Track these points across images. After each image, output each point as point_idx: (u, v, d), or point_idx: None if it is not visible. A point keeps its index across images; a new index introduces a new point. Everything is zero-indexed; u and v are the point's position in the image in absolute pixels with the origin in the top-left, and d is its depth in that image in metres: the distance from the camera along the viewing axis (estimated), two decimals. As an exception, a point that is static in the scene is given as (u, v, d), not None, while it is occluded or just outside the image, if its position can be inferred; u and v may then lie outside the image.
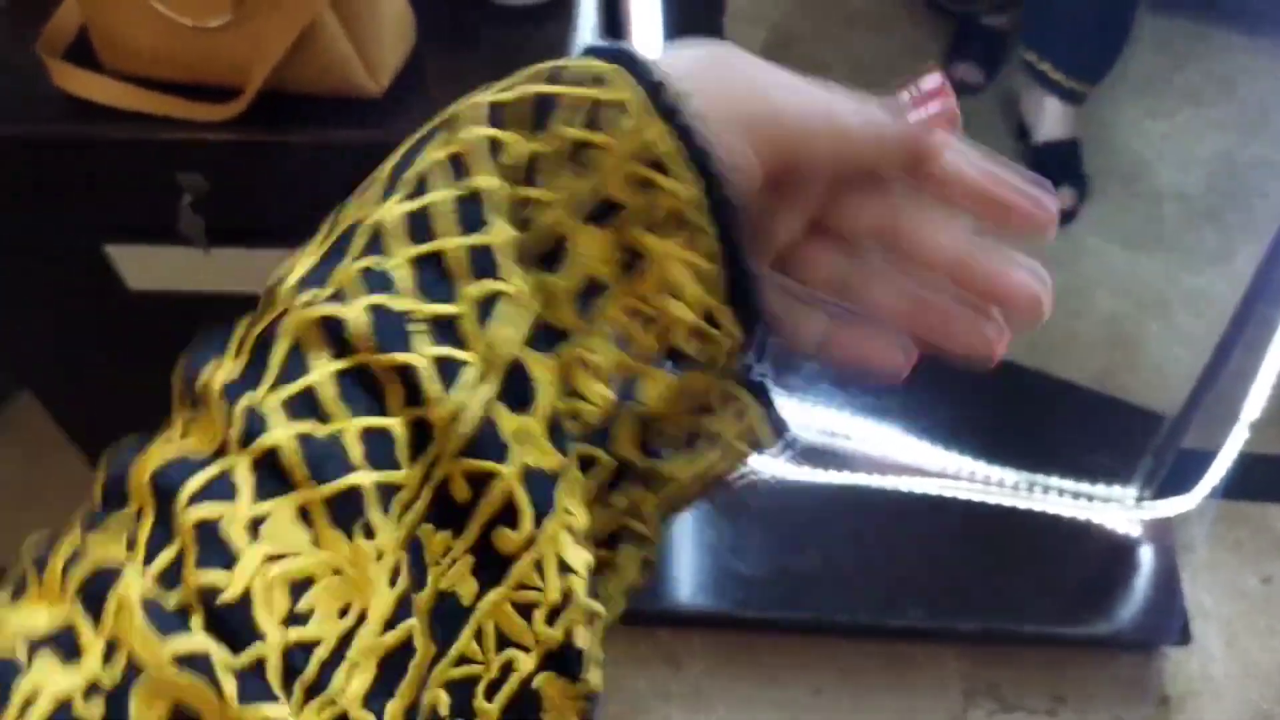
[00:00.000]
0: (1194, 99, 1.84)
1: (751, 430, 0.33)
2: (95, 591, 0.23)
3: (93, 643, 0.22)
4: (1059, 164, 1.70)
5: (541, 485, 0.26)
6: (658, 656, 1.37)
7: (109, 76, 0.86)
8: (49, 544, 0.25)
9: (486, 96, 0.29)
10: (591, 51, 0.29)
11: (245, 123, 0.83)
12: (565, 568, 0.26)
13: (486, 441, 0.26)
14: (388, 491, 0.24)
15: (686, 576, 1.32)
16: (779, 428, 0.34)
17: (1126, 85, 1.86)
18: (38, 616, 0.23)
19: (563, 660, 0.26)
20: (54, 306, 1.03)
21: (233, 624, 0.22)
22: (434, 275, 0.27)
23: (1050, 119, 1.71)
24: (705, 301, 0.29)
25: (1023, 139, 1.76)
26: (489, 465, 0.25)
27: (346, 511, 0.24)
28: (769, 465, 1.32)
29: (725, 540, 1.33)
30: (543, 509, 0.26)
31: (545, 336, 0.27)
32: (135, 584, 0.23)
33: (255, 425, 0.24)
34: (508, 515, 0.26)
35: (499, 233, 0.27)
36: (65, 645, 0.22)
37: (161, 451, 0.25)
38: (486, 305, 0.26)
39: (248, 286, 0.99)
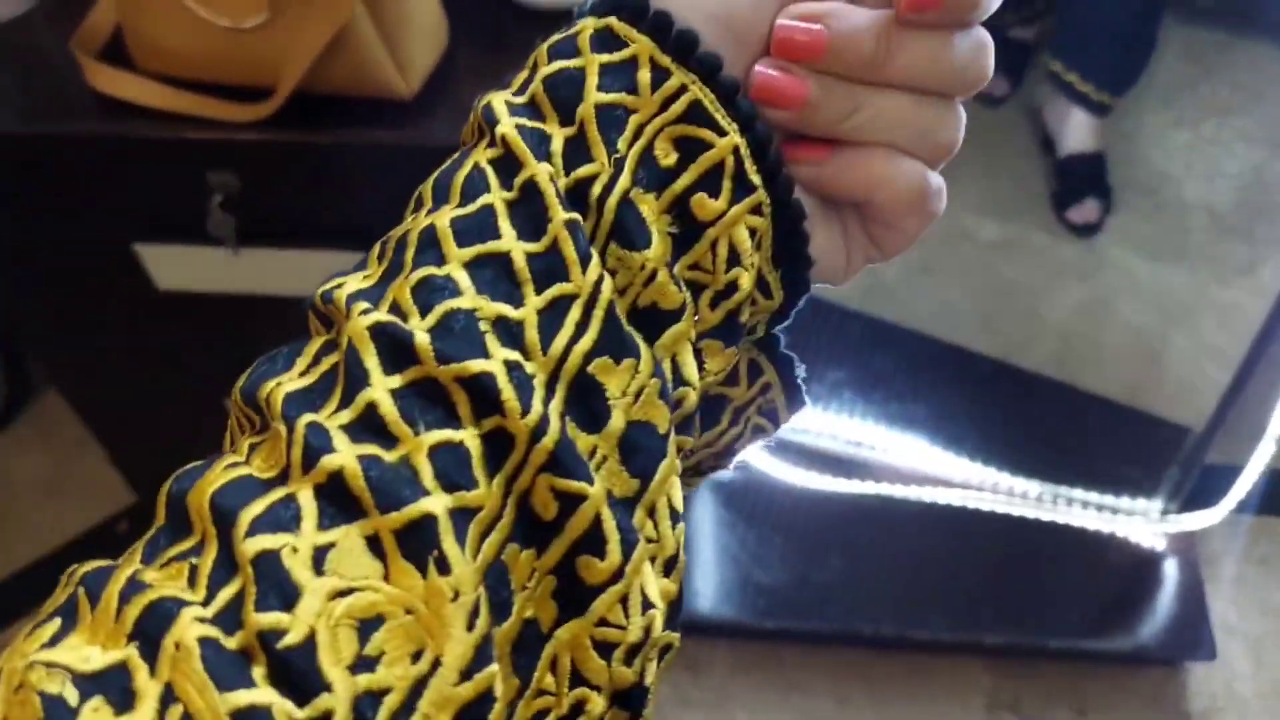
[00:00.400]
0: (1221, 110, 1.83)
1: (772, 404, 0.32)
2: (152, 629, 0.21)
3: (148, 687, 0.21)
4: (1084, 176, 1.69)
5: (623, 512, 0.25)
6: (679, 663, 1.36)
7: (142, 76, 0.86)
8: (105, 572, 0.23)
9: (508, 94, 0.28)
10: (588, 10, 0.28)
11: (276, 123, 0.84)
12: (647, 603, 0.25)
13: (568, 457, 0.24)
14: (464, 515, 0.23)
15: (708, 586, 1.32)
16: (798, 404, 0.33)
17: (1152, 96, 1.85)
18: (90, 652, 0.21)
19: (627, 697, 0.25)
20: (82, 303, 1.04)
21: (297, 671, 0.21)
22: (494, 276, 0.25)
23: (1076, 131, 1.70)
24: (758, 264, 0.28)
25: (1048, 151, 1.75)
26: (577, 485, 0.24)
27: (418, 541, 0.22)
28: (791, 473, 1.31)
29: (747, 549, 1.33)
30: (629, 538, 0.24)
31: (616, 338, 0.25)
32: (194, 624, 0.21)
33: (318, 446, 0.23)
34: (592, 541, 0.24)
35: (557, 226, 0.25)
36: (118, 688, 0.21)
37: (223, 474, 0.24)
38: (553, 309, 0.25)
39: (276, 288, 0.99)
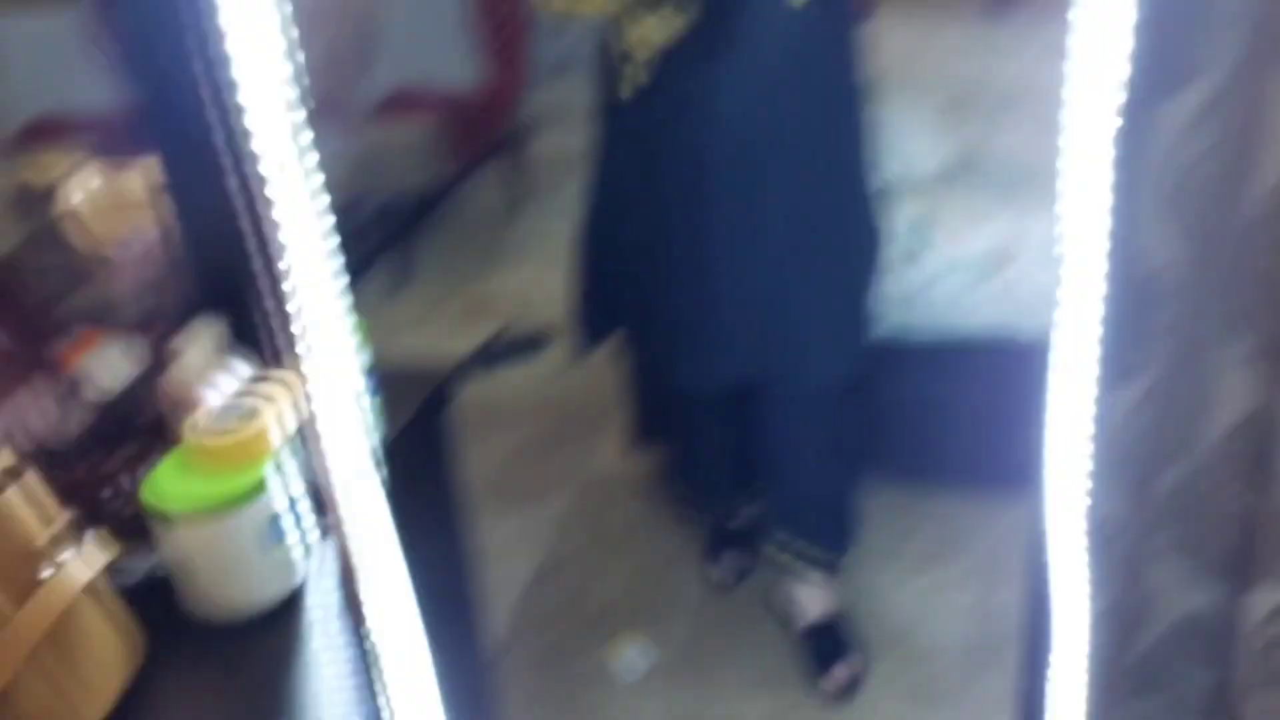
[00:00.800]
0: (939, 558, 1.99)
1: None
2: None
3: None
4: (830, 642, 1.77)
5: None
6: None
7: None
8: None
9: None
10: None
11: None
12: None
13: None
14: None
15: None
16: None
17: (876, 555, 1.99)
18: None
19: None
20: None
21: None
22: None
23: (811, 600, 1.80)
24: None
25: (788, 627, 1.82)
26: None
27: None
28: None
29: None
30: None
31: None
32: None
33: None
34: None
35: None
36: None
37: None
38: None
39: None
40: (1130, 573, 1.39)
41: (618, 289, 1.77)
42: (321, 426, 0.87)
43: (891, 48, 1.62)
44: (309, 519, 0.90)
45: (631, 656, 1.82)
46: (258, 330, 1.00)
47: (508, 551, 2.08)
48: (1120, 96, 0.80)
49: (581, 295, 1.84)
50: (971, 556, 1.98)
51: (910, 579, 1.94)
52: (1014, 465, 2.06)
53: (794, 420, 1.72)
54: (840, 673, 1.72)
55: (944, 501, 2.10)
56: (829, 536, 1.80)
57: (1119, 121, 0.80)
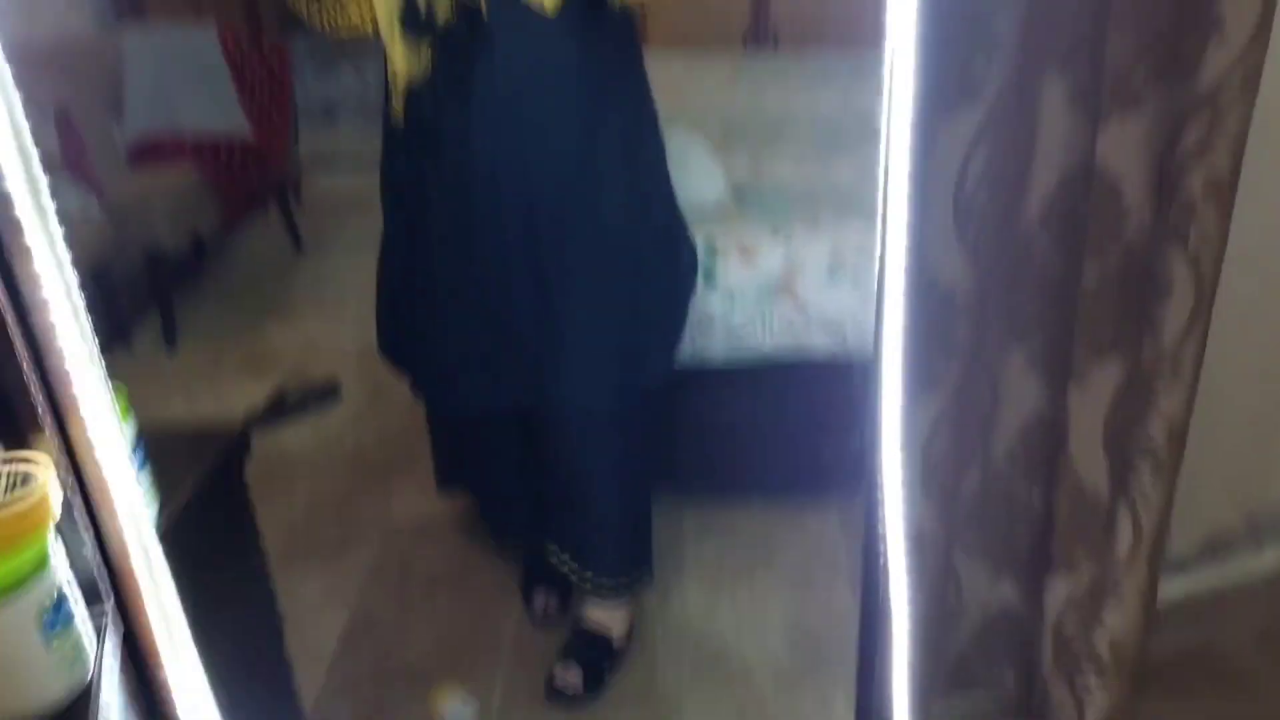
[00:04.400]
0: (747, 574, 2.02)
1: None
2: None
3: None
4: (585, 651, 1.79)
5: None
6: None
7: None
8: None
9: None
10: None
11: None
12: None
13: None
14: None
15: None
16: None
17: (686, 575, 2.01)
18: None
19: None
20: None
21: None
22: None
23: (596, 615, 1.82)
24: None
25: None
26: None
27: None
28: None
29: None
30: None
31: None
32: None
33: None
34: None
35: None
36: None
37: None
38: None
39: None
40: (943, 576, 1.45)
41: (405, 321, 1.73)
42: (95, 502, 0.78)
43: (659, 81, 1.64)
44: (82, 608, 0.80)
45: (455, 706, 1.75)
46: None
47: (316, 609, 1.97)
48: (909, 115, 0.84)
49: (379, 327, 1.78)
50: (781, 565, 2.03)
51: (723, 596, 1.97)
52: (817, 477, 2.15)
53: (571, 445, 1.72)
54: (559, 673, 1.74)
55: (753, 517, 2.15)
56: (614, 565, 1.80)
57: (909, 139, 0.84)
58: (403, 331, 1.76)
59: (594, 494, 1.76)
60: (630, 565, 1.82)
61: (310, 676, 1.79)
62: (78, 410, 0.75)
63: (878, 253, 0.75)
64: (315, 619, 1.94)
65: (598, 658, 1.78)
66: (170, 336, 2.99)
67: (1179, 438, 1.33)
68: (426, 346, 1.72)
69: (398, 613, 1.96)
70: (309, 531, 2.19)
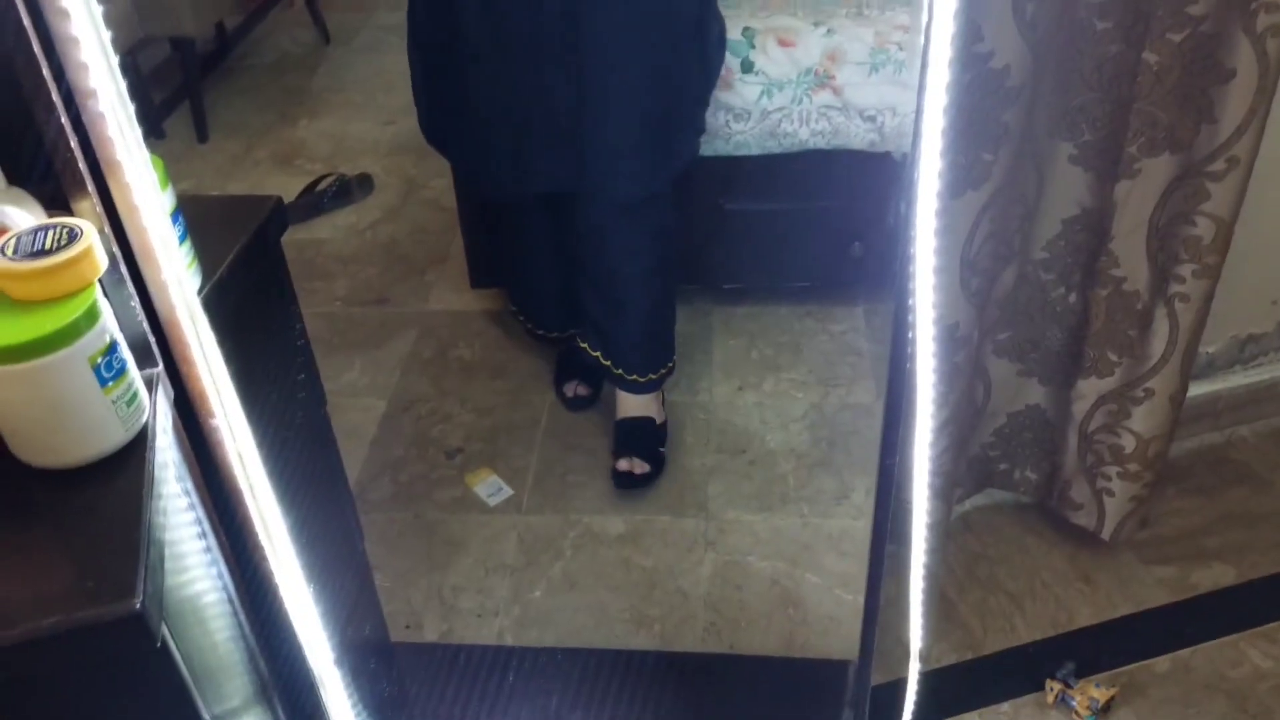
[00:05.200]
0: (773, 368, 2.06)
1: None
2: None
3: None
4: (629, 438, 1.85)
5: None
6: None
7: None
8: None
9: None
10: None
11: None
12: None
13: None
14: None
15: None
16: None
17: (714, 368, 2.05)
18: None
19: None
20: None
21: None
22: None
23: (627, 402, 1.87)
24: None
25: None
26: None
27: None
28: None
29: None
30: None
31: None
32: None
33: None
34: None
35: None
36: None
37: None
38: None
39: None
40: (972, 374, 1.47)
41: (444, 104, 1.70)
42: (141, 264, 0.80)
43: None
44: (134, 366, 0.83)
45: (492, 483, 1.83)
46: (41, 173, 0.90)
47: (356, 394, 2.03)
48: None
49: (419, 112, 1.76)
50: (804, 363, 2.06)
51: (748, 391, 2.01)
52: (847, 275, 2.14)
53: (606, 235, 1.72)
54: (623, 464, 1.81)
55: (773, 315, 2.17)
56: (642, 357, 1.84)
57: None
58: (444, 115, 1.73)
59: (622, 285, 1.77)
60: (658, 356, 1.85)
61: (353, 458, 1.87)
62: (120, 174, 0.75)
63: (924, 21, 0.72)
64: (356, 404, 2.01)
65: (649, 440, 1.85)
66: (201, 129, 2.97)
67: (1224, 238, 1.31)
68: (462, 131, 1.70)
69: (437, 398, 2.02)
70: (348, 322, 2.24)
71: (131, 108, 0.78)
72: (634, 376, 1.83)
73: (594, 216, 1.70)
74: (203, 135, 2.96)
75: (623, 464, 1.82)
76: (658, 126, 1.64)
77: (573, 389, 1.98)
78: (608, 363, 1.84)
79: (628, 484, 1.80)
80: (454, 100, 1.66)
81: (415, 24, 1.66)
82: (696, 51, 1.66)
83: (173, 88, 3.12)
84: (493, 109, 1.62)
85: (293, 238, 2.59)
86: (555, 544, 1.72)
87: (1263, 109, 1.17)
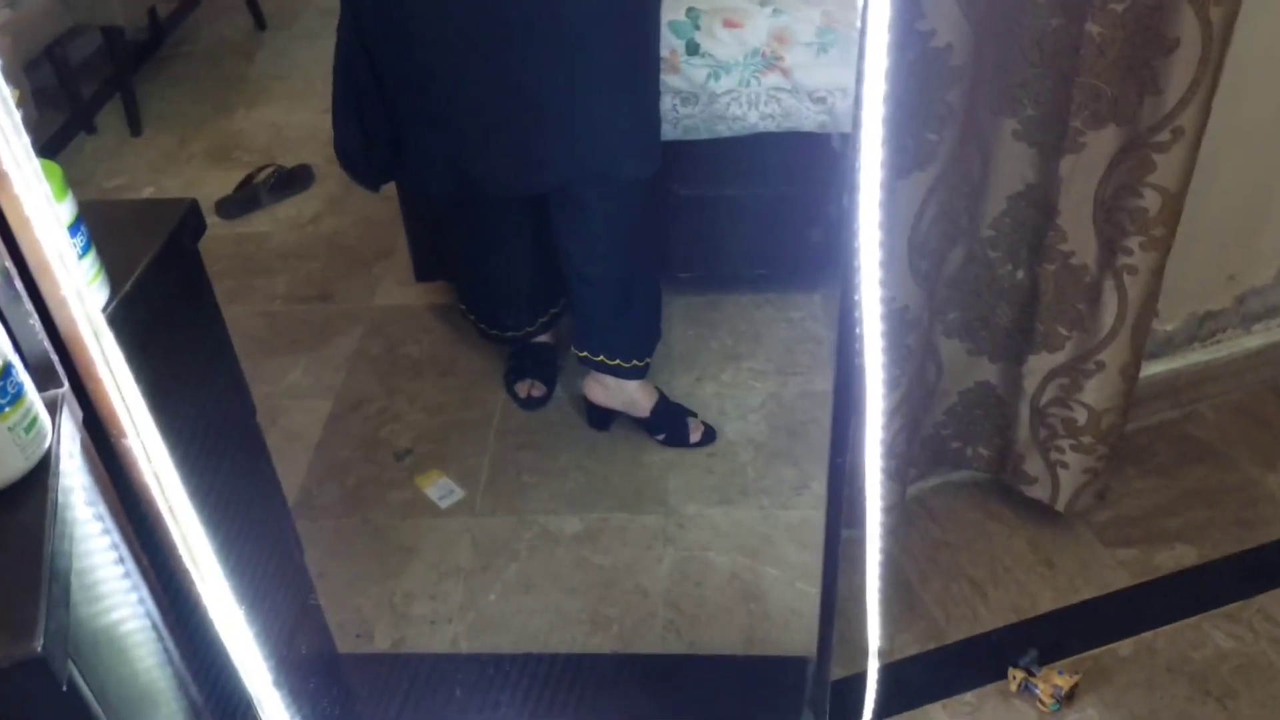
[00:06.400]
0: (732, 356, 2.02)
1: None
2: None
3: None
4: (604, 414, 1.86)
5: None
6: None
7: None
8: None
9: None
10: None
11: None
12: None
13: None
14: None
15: None
16: None
17: (674, 360, 2.01)
18: None
19: None
20: None
21: None
22: None
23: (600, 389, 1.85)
24: None
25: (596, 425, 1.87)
26: None
27: None
28: None
29: None
30: None
31: None
32: None
33: None
34: None
35: None
36: None
37: None
38: None
39: None
40: (923, 355, 1.45)
41: (388, 120, 1.62)
42: (38, 280, 0.75)
43: None
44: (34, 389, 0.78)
45: (443, 485, 1.78)
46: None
47: (300, 396, 1.97)
48: None
49: (345, 133, 1.66)
50: (763, 352, 2.03)
51: (708, 382, 1.97)
52: (801, 261, 2.11)
53: (608, 217, 1.69)
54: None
55: (733, 304, 2.14)
56: (631, 346, 1.80)
57: None
58: (371, 137, 1.64)
59: (616, 272, 1.75)
60: (645, 347, 1.83)
61: (297, 463, 1.81)
62: (8, 186, 0.70)
63: (862, 11, 0.69)
64: (300, 405, 1.95)
65: (671, 423, 1.85)
66: (134, 122, 2.87)
67: (1172, 210, 1.29)
68: (437, 141, 1.62)
69: (385, 397, 1.97)
70: (290, 320, 2.17)
71: (18, 114, 0.72)
72: (619, 364, 1.80)
73: (593, 201, 1.67)
74: (136, 129, 2.87)
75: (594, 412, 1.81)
76: (648, 98, 1.62)
77: (527, 389, 1.93)
78: (606, 360, 1.80)
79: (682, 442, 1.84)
80: (413, 113, 1.59)
81: (351, 39, 1.56)
82: (656, 18, 1.63)
83: (104, 79, 3.02)
84: (481, 110, 1.55)
85: (230, 232, 2.52)
86: (510, 546, 1.68)
87: (1207, 79, 1.15)
